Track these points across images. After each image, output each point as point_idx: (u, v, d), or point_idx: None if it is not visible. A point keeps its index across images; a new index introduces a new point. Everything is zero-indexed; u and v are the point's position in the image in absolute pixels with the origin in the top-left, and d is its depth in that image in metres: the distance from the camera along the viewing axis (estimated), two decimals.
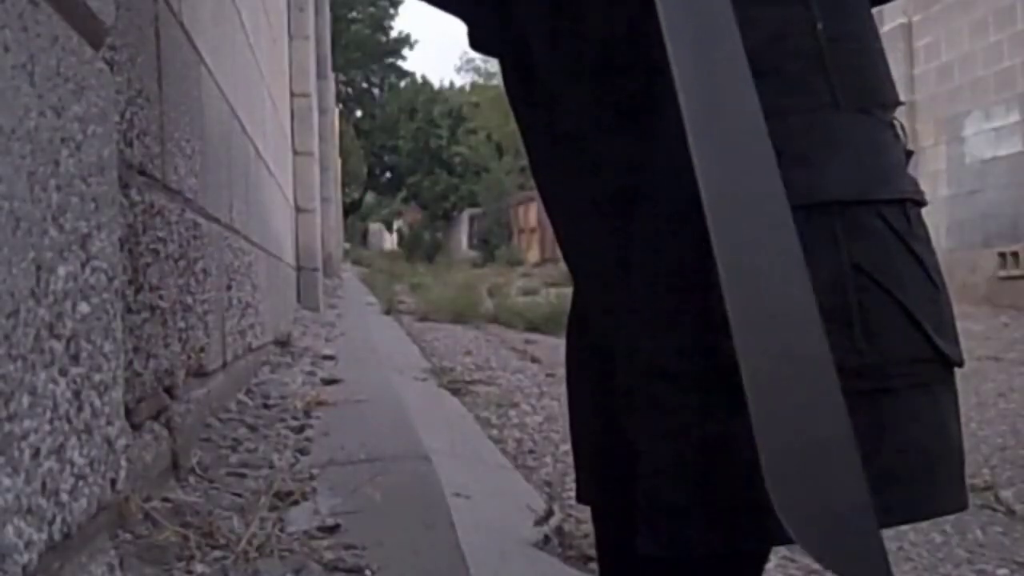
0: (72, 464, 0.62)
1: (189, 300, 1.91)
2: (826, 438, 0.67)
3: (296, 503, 1.62)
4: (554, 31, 0.89)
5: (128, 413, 1.43)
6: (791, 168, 0.73)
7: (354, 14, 33.20)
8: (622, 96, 0.85)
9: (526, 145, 1.01)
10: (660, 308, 0.79)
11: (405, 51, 36.23)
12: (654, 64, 0.80)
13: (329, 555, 1.34)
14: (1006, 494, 2.35)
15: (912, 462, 0.74)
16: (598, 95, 0.87)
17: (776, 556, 1.83)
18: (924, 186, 0.85)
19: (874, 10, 0.89)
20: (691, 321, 0.76)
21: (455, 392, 3.74)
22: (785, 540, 0.80)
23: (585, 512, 2.09)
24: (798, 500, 0.66)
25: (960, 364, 0.79)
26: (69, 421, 0.62)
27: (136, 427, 1.51)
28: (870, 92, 0.81)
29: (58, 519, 0.59)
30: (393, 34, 35.71)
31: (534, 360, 5.05)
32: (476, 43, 1.02)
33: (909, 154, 0.84)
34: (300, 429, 2.29)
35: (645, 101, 0.81)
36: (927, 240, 0.80)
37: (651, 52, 0.79)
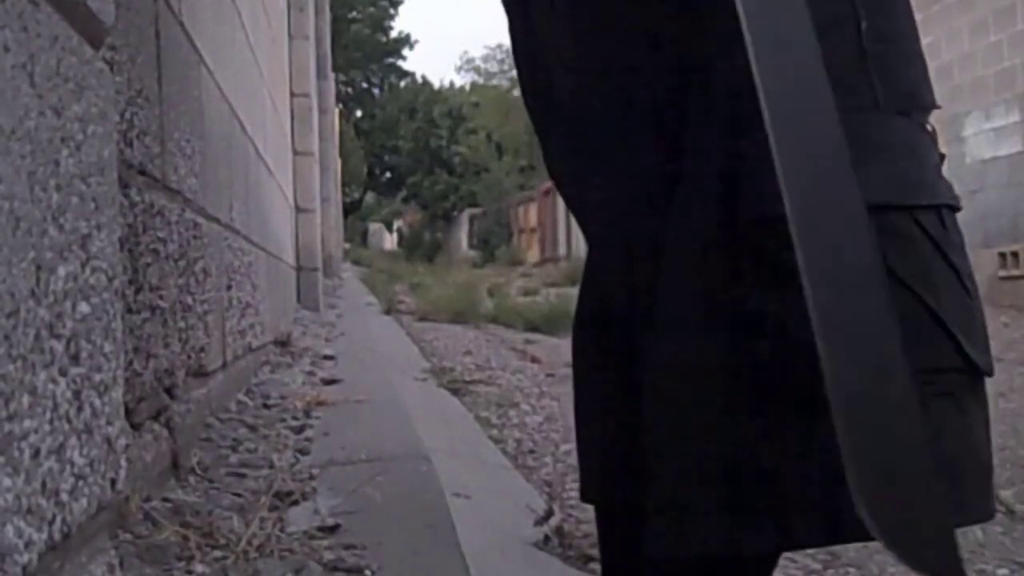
0: (72, 464, 0.62)
1: (189, 300, 1.91)
2: (907, 444, 0.67)
3: (296, 503, 1.62)
4: (579, 33, 0.88)
5: (128, 413, 1.43)
6: None
7: (354, 14, 33.15)
8: (652, 98, 0.84)
9: (541, 139, 1.00)
10: (691, 307, 0.78)
11: (405, 51, 36.19)
12: (688, 65, 0.79)
13: (329, 555, 1.34)
14: (1006, 494, 2.34)
15: (938, 472, 0.74)
16: (627, 97, 0.86)
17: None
18: None
19: None
20: (722, 321, 0.76)
21: (455, 392, 3.74)
22: (799, 543, 0.79)
23: (585, 512, 2.09)
24: (888, 507, 0.66)
25: (990, 374, 0.78)
26: (69, 421, 0.62)
27: (136, 427, 1.51)
28: (910, 94, 0.80)
29: (58, 519, 0.59)
30: (393, 34, 35.66)
31: (534, 360, 5.04)
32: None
33: (942, 157, 0.83)
34: (300, 429, 2.29)
35: (677, 103, 0.81)
36: (962, 246, 0.79)
37: (686, 53, 0.79)
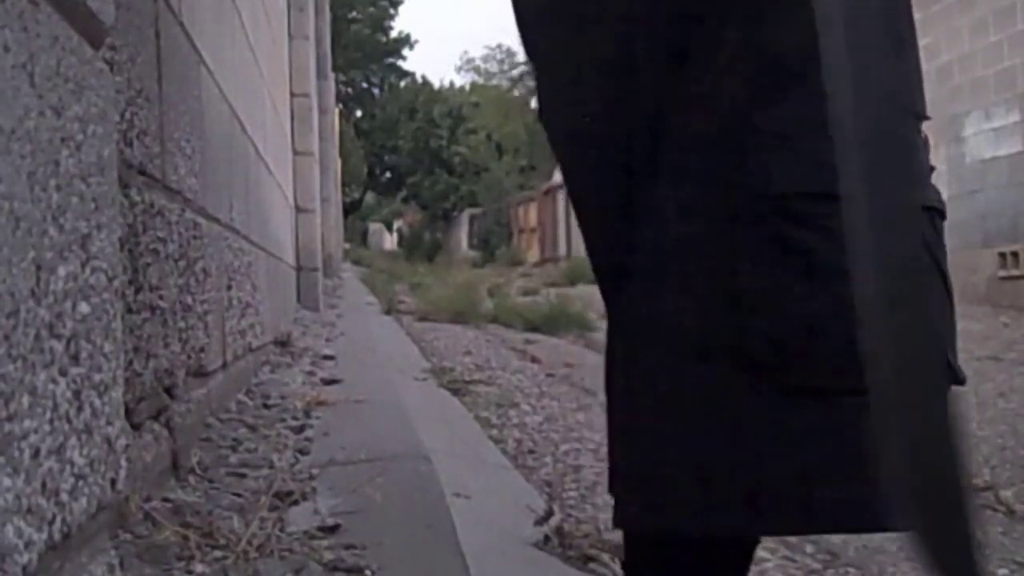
0: (72, 464, 0.62)
1: (189, 300, 1.91)
2: (941, 448, 0.66)
3: (296, 503, 1.62)
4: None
5: (128, 413, 1.43)
6: (829, 151, 0.72)
7: (354, 14, 33.16)
8: (643, 96, 0.84)
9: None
10: (682, 277, 0.77)
11: (405, 51, 36.20)
12: (699, 33, 0.79)
13: (329, 555, 1.34)
14: (1006, 494, 2.34)
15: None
16: (618, 90, 0.86)
17: (776, 556, 1.83)
18: None
19: None
20: (707, 291, 0.75)
21: (455, 392, 3.74)
22: (769, 530, 0.79)
23: (585, 512, 2.09)
24: (923, 510, 0.65)
25: (963, 383, 0.78)
26: (69, 421, 0.62)
27: (136, 427, 1.51)
28: (909, 98, 0.80)
29: (58, 519, 0.59)
30: (393, 34, 35.67)
31: (534, 360, 5.04)
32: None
33: (931, 169, 0.83)
34: (300, 429, 2.29)
35: (668, 94, 0.81)
36: (945, 253, 0.80)
37: (700, 22, 0.78)
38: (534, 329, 6.88)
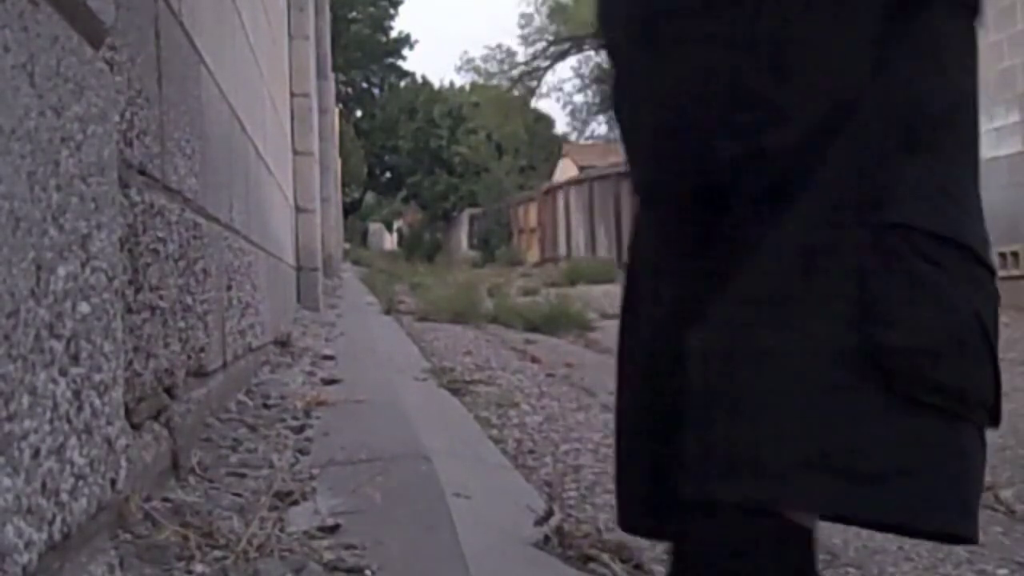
0: (72, 464, 0.62)
1: (189, 300, 1.91)
2: None
3: (296, 503, 1.62)
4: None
5: (128, 413, 1.43)
6: (948, 205, 0.84)
7: (354, 14, 33.13)
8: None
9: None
10: (808, 280, 0.84)
11: (405, 51, 36.17)
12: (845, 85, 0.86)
13: (329, 555, 1.34)
14: (1006, 494, 2.34)
15: (972, 489, 0.86)
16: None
17: None
18: None
19: None
20: (845, 306, 0.82)
21: (455, 392, 3.74)
22: (858, 518, 0.87)
23: (585, 512, 2.09)
24: None
25: (998, 424, 0.88)
26: (69, 421, 0.62)
27: (136, 427, 1.51)
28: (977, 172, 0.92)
29: (58, 519, 0.59)
30: (393, 34, 35.64)
31: (534, 360, 5.04)
32: None
33: None
34: (300, 429, 2.29)
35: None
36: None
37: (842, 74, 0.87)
38: (534, 329, 6.87)
